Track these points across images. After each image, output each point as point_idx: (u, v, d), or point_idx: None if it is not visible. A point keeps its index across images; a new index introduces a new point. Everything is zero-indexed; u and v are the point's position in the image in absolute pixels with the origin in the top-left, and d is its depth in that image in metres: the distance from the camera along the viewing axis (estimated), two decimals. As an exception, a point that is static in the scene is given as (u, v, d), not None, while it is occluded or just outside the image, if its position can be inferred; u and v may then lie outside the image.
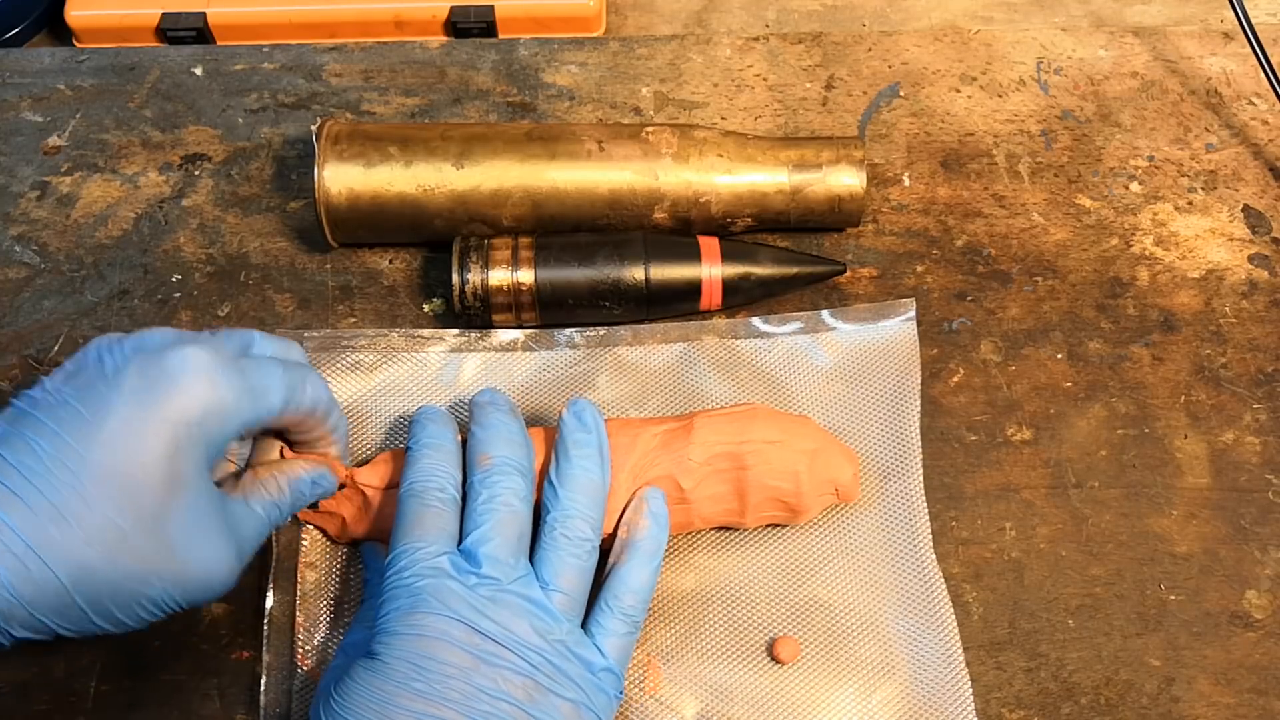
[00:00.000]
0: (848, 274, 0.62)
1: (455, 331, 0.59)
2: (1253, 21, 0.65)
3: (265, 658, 0.51)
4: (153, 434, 0.42)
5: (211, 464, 0.45)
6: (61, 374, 0.44)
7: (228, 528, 0.45)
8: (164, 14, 0.73)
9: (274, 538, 0.53)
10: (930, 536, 0.54)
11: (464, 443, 0.51)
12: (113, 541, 0.41)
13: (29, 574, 0.40)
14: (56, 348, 0.60)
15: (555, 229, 0.60)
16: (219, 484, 0.48)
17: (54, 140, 0.67)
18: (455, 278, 0.57)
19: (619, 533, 0.50)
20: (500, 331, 0.59)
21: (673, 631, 0.52)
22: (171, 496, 0.42)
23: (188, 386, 0.43)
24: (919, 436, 0.56)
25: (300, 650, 0.51)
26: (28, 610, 0.40)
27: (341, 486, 0.52)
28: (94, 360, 0.44)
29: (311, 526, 0.53)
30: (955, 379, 0.59)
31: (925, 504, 0.55)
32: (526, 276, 0.57)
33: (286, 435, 0.51)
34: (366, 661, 0.44)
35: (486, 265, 0.57)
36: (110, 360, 0.44)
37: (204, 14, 0.73)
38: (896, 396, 0.57)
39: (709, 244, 0.58)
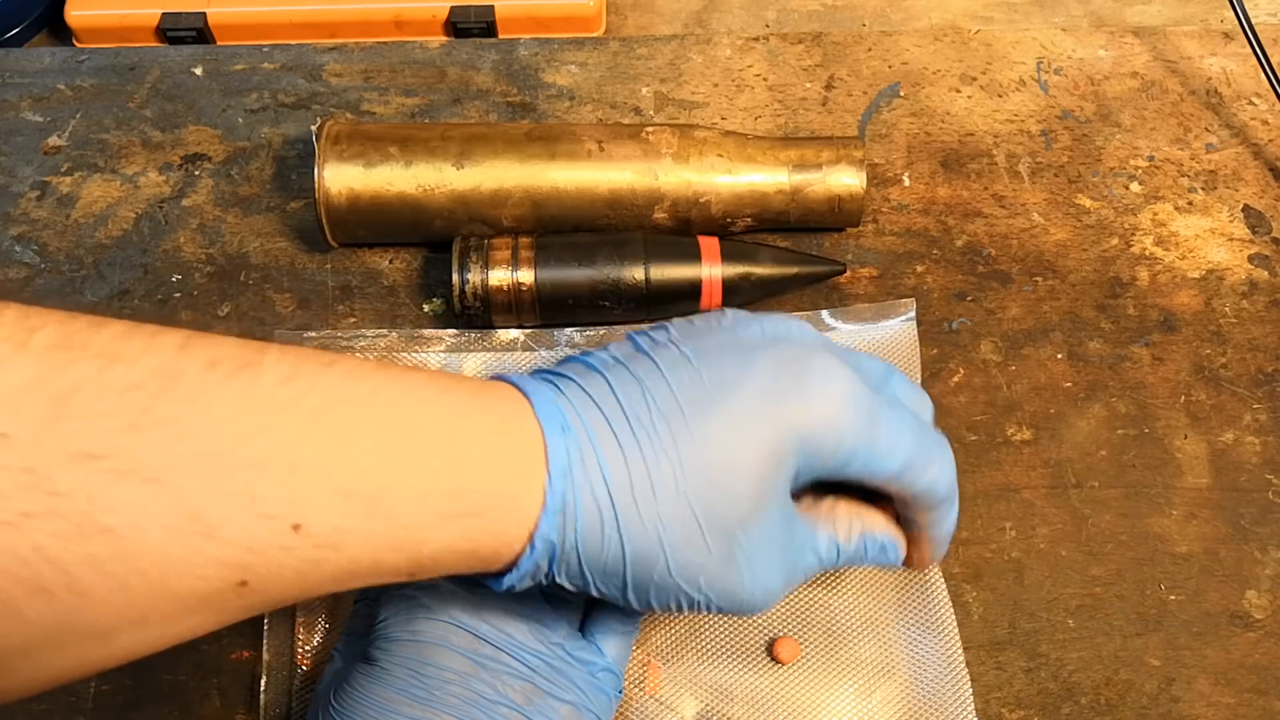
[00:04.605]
0: (848, 274, 0.62)
1: (455, 331, 0.59)
2: (1253, 21, 0.65)
3: (265, 658, 0.51)
4: (764, 440, 0.38)
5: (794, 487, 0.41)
6: (687, 329, 0.40)
7: (788, 556, 0.40)
8: (164, 14, 0.73)
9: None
10: (930, 536, 0.54)
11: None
12: (682, 536, 0.37)
13: (600, 530, 0.36)
14: (56, 348, 0.60)
15: (555, 229, 0.60)
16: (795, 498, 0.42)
17: (54, 140, 0.67)
18: (455, 278, 0.57)
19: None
20: (500, 331, 0.59)
21: (672, 631, 0.52)
22: (753, 512, 0.38)
23: (820, 406, 0.38)
24: (919, 436, 0.56)
25: (300, 650, 0.51)
26: (581, 562, 0.37)
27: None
28: (727, 328, 0.40)
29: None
30: (955, 379, 0.59)
31: (925, 504, 0.55)
32: (526, 276, 0.57)
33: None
34: (365, 667, 0.44)
35: (486, 265, 0.57)
36: (746, 335, 0.40)
37: (204, 14, 0.73)
38: (896, 396, 0.57)
39: (709, 244, 0.58)
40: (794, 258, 0.59)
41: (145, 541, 0.30)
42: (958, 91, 0.68)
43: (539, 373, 0.40)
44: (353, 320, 0.61)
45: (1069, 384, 0.59)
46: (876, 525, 0.45)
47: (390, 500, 0.33)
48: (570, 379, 0.38)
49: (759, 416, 0.38)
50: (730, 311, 0.42)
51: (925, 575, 0.53)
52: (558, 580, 0.38)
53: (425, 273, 0.62)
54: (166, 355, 0.31)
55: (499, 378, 0.39)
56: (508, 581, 0.38)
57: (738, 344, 0.39)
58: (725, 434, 0.37)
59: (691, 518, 0.37)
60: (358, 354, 0.58)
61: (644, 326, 0.42)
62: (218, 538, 0.31)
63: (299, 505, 0.32)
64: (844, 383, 0.39)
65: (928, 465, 0.42)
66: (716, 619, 0.52)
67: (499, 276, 0.57)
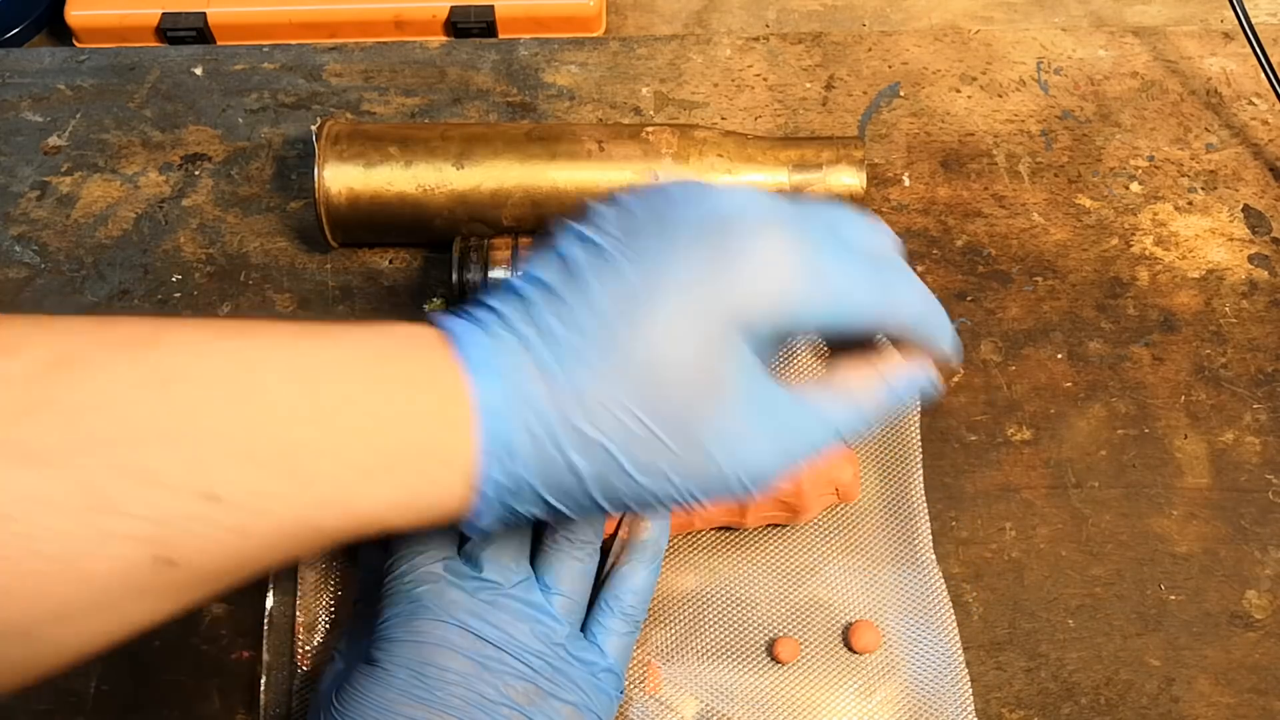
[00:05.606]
0: (848, 274, 0.61)
1: (455, 331, 0.59)
2: (1253, 21, 0.65)
3: (265, 658, 0.51)
4: (698, 330, 0.36)
5: (768, 359, 0.38)
6: (627, 220, 0.37)
7: (778, 435, 0.38)
8: (164, 14, 0.73)
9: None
10: (930, 536, 0.54)
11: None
12: (631, 441, 0.36)
13: (545, 459, 0.35)
14: (56, 348, 0.60)
15: (555, 229, 0.60)
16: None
17: (54, 140, 0.67)
18: (455, 278, 0.57)
19: (619, 533, 0.50)
20: (500, 331, 0.59)
21: (673, 632, 0.52)
22: (708, 400, 0.36)
23: (756, 278, 0.36)
24: (919, 436, 0.56)
25: (300, 650, 0.51)
26: (538, 492, 0.36)
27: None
28: (667, 210, 0.37)
29: (312, 527, 0.53)
30: (955, 379, 0.59)
31: (925, 504, 0.55)
32: (526, 277, 0.57)
33: None
34: (366, 668, 0.44)
35: (486, 265, 0.57)
36: (682, 218, 0.37)
37: (204, 14, 0.73)
38: (896, 396, 0.57)
39: (709, 244, 0.58)
40: (794, 258, 0.59)
41: (40, 522, 0.29)
42: (958, 91, 0.68)
43: (465, 308, 0.38)
44: (353, 320, 0.61)
45: (1069, 384, 0.59)
46: (892, 368, 0.41)
47: (307, 461, 0.32)
48: (494, 311, 0.37)
49: (688, 309, 0.36)
50: (686, 185, 0.39)
51: (925, 575, 0.53)
52: (524, 513, 0.37)
53: (425, 273, 0.62)
54: (63, 343, 0.30)
55: (428, 318, 0.38)
56: (478, 526, 0.37)
57: (668, 233, 0.37)
58: (654, 335, 0.36)
59: (637, 422, 0.35)
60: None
61: (590, 209, 0.39)
62: (122, 513, 0.30)
63: (209, 474, 0.31)
64: (776, 251, 0.37)
65: (893, 304, 0.40)
66: (717, 619, 0.52)
67: (499, 276, 0.57)
